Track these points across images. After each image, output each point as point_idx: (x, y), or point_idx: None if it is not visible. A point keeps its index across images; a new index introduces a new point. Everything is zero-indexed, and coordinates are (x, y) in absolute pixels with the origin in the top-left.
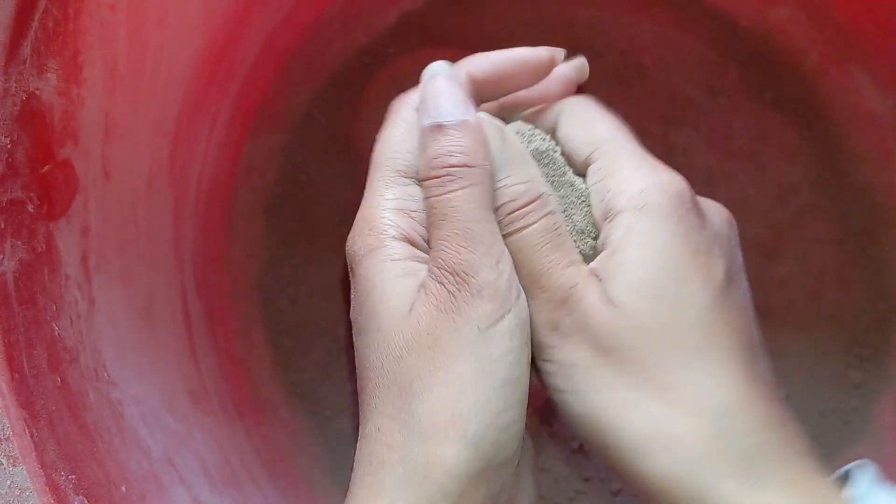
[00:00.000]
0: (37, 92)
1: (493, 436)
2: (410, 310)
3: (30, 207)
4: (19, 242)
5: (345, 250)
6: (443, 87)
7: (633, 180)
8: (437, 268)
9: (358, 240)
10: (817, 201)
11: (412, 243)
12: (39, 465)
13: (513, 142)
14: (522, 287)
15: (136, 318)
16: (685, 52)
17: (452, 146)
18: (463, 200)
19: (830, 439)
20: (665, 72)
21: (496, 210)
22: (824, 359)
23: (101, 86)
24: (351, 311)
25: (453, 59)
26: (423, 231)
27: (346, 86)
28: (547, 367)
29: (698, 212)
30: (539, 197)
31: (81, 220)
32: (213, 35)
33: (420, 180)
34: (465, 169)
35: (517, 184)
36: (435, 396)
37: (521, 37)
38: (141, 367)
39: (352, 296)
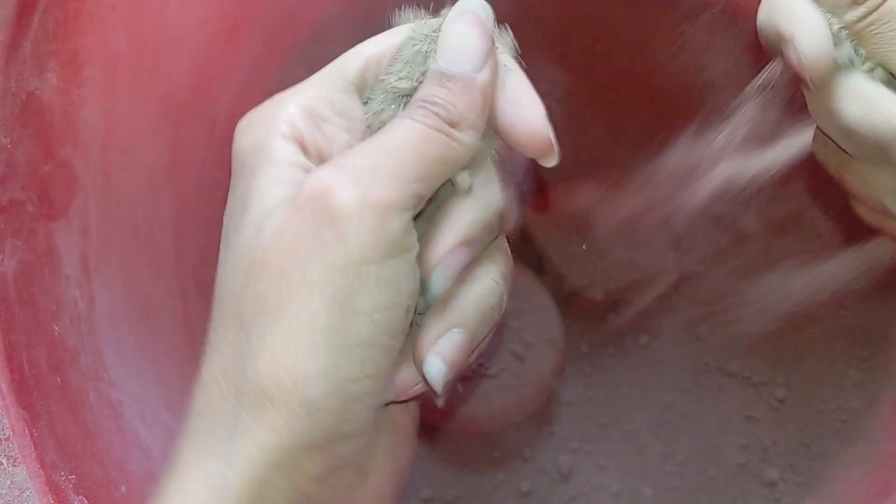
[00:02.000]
0: (37, 92)
1: (338, 405)
2: (272, 224)
3: (30, 207)
4: (19, 242)
5: None
6: (467, 32)
7: None
8: (323, 179)
9: (243, 130)
10: (818, 200)
11: (305, 151)
12: (39, 466)
13: None
14: None
15: (136, 318)
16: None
17: (446, 100)
18: (417, 136)
19: (830, 439)
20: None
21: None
22: (824, 359)
23: (101, 86)
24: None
25: None
26: (327, 147)
27: None
28: None
29: None
30: None
31: (81, 221)
32: (214, 35)
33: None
34: (445, 123)
35: None
36: (276, 345)
37: (525, 36)
38: (141, 367)
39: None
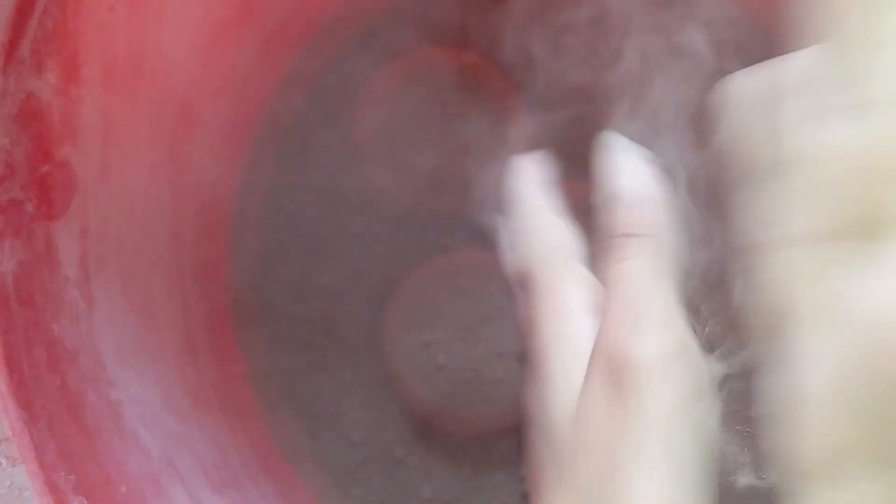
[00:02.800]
0: (36, 92)
1: None
2: (577, 406)
3: (29, 208)
4: (18, 243)
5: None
6: (627, 162)
7: None
8: (599, 348)
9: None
10: None
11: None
12: (39, 466)
13: None
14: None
15: (135, 319)
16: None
17: (632, 219)
18: (639, 266)
19: None
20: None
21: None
22: None
23: (101, 85)
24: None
25: (458, 58)
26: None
27: (348, 85)
28: None
29: None
30: None
31: (81, 221)
32: (213, 35)
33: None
34: (644, 238)
35: None
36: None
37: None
38: (141, 367)
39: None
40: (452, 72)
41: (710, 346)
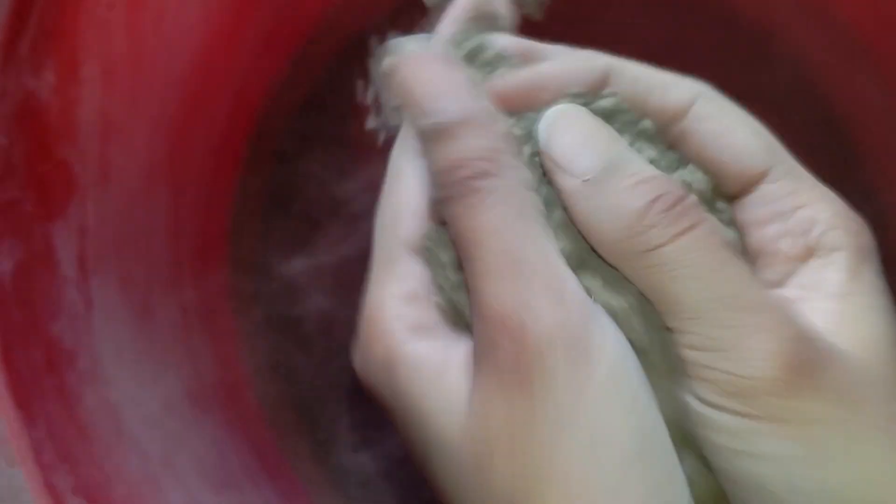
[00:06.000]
0: (34, 91)
1: None
2: (467, 411)
3: (27, 207)
4: (16, 242)
5: (352, 350)
6: (432, 72)
7: (841, 214)
8: (482, 323)
9: (368, 356)
10: None
11: (432, 331)
12: (37, 467)
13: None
14: (675, 318)
15: (134, 319)
16: (686, 53)
17: (464, 152)
18: (496, 219)
19: None
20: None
21: (640, 217)
22: None
23: (100, 85)
24: (400, 438)
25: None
26: (435, 314)
27: (348, 85)
28: (728, 423)
29: None
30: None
31: (79, 221)
32: (213, 34)
33: (434, 203)
34: (490, 180)
35: (652, 174)
36: None
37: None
38: (139, 367)
39: (394, 422)
40: None
41: None
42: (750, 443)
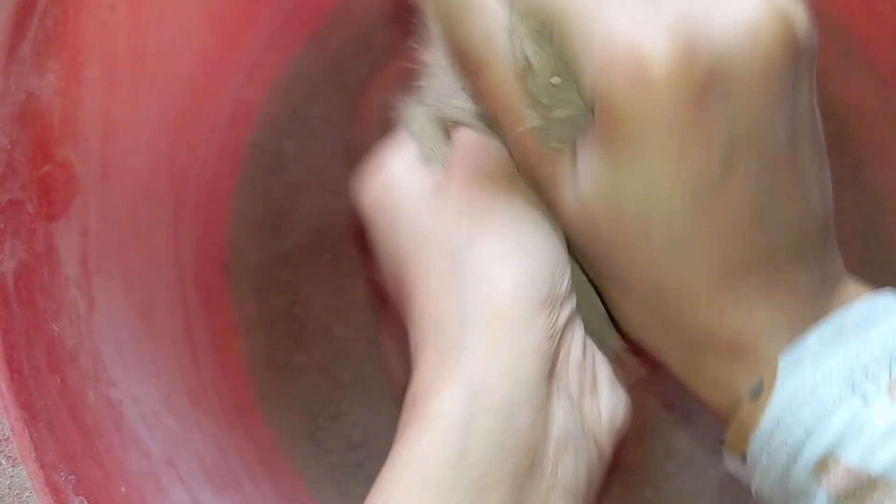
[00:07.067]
0: (36, 92)
1: (545, 272)
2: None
3: (29, 208)
4: (19, 243)
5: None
6: None
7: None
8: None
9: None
10: None
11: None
12: (39, 466)
13: None
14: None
15: (135, 318)
16: None
17: None
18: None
19: None
20: None
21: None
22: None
23: (101, 85)
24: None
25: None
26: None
27: (348, 85)
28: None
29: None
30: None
31: (81, 221)
32: (213, 35)
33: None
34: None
35: None
36: (480, 251)
37: None
38: (141, 367)
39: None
40: None
41: None
42: None
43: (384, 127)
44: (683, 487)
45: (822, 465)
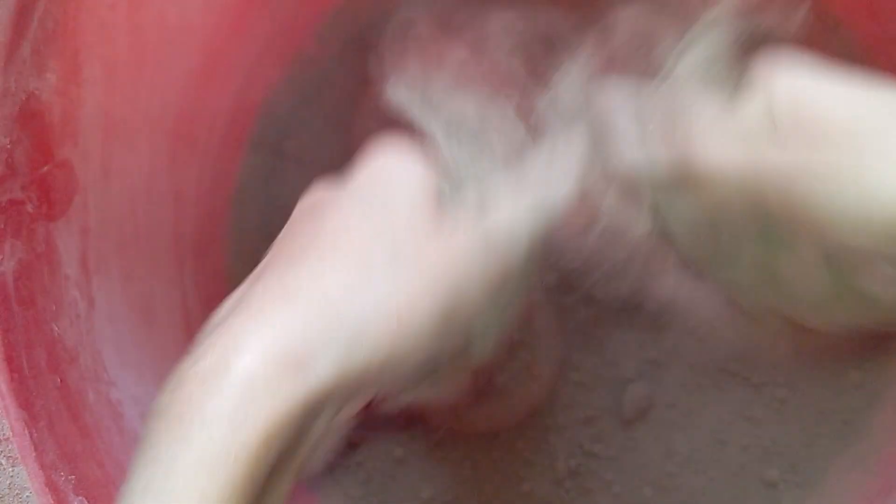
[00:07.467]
0: (36, 92)
1: None
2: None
3: (29, 207)
4: (19, 243)
5: None
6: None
7: None
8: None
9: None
10: None
11: None
12: (39, 466)
13: None
14: None
15: (135, 318)
16: None
17: None
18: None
19: (831, 439)
20: None
21: None
22: (825, 359)
23: (101, 85)
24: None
25: (461, 56)
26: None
27: (348, 85)
28: None
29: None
30: None
31: (81, 220)
32: (214, 35)
33: None
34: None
35: None
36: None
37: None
38: (141, 367)
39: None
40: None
41: None
42: None
43: (385, 126)
44: (683, 487)
45: None
